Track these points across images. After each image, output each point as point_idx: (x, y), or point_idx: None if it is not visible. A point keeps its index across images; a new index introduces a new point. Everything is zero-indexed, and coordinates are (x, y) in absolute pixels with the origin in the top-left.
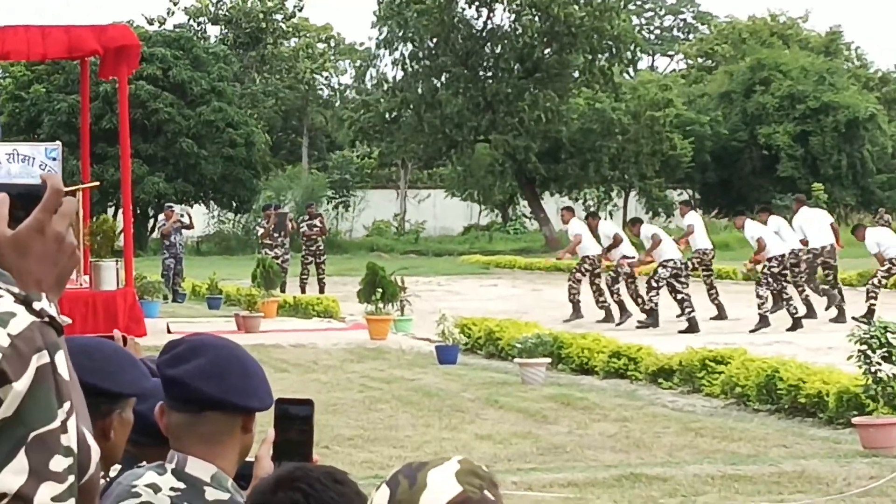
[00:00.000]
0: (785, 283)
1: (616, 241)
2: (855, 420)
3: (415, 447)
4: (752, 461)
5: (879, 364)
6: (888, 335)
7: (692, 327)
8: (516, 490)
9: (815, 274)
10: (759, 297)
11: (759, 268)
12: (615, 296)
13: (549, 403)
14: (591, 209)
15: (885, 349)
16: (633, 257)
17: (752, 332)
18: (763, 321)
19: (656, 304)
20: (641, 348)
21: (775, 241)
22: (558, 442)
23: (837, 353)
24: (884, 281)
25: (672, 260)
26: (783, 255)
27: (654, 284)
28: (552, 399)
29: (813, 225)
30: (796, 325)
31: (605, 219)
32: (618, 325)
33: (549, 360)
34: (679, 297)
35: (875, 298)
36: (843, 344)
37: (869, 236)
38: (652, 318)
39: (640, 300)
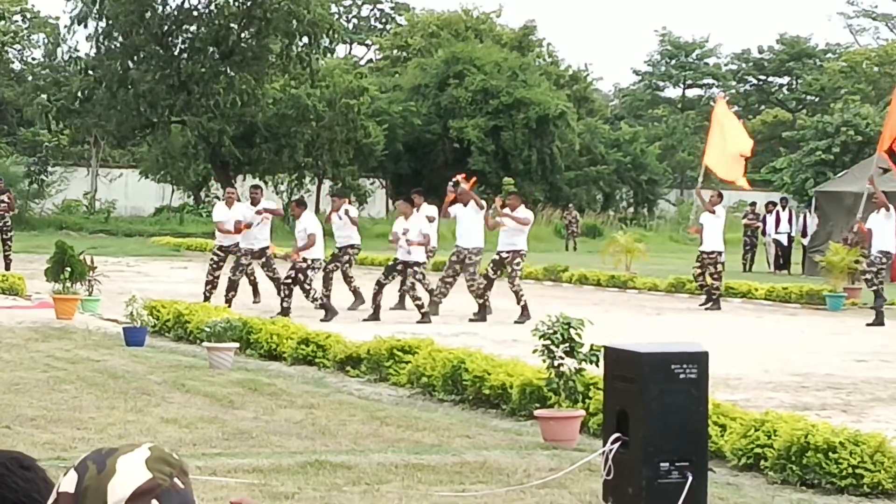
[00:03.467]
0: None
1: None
2: (536, 413)
3: (99, 429)
4: (435, 451)
5: (562, 358)
6: (570, 330)
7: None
8: (200, 475)
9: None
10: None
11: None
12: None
13: (236, 388)
14: (284, 194)
15: (567, 344)
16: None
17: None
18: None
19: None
20: (330, 336)
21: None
22: (244, 427)
23: (522, 346)
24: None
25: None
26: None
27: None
28: (239, 384)
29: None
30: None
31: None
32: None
33: (237, 344)
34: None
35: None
36: (528, 337)
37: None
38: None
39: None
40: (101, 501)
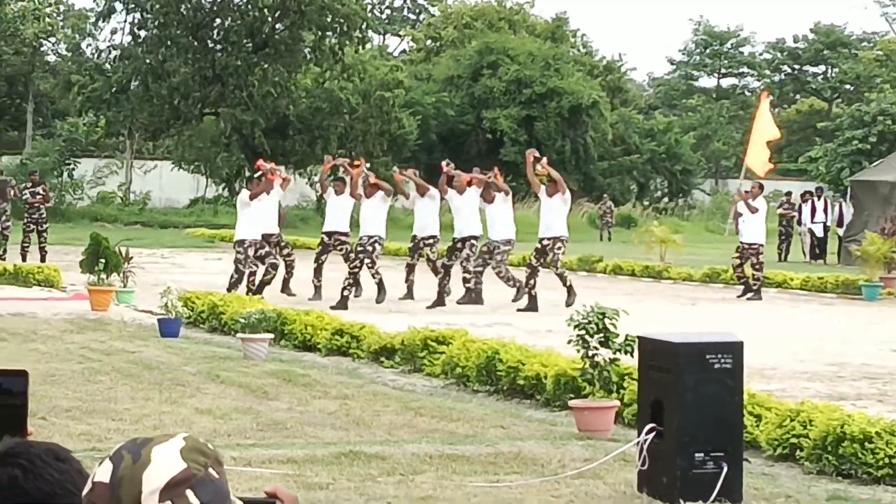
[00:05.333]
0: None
1: None
2: (571, 403)
3: (134, 420)
4: (469, 441)
5: (597, 348)
6: (605, 320)
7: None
8: (235, 465)
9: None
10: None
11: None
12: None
13: (270, 379)
14: (317, 185)
15: (601, 334)
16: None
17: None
18: (530, 301)
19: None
20: (364, 326)
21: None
22: (279, 418)
23: (557, 337)
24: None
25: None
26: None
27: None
28: (274, 375)
29: (498, 218)
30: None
31: None
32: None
33: (271, 335)
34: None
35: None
36: (562, 327)
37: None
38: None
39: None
40: (135, 491)
